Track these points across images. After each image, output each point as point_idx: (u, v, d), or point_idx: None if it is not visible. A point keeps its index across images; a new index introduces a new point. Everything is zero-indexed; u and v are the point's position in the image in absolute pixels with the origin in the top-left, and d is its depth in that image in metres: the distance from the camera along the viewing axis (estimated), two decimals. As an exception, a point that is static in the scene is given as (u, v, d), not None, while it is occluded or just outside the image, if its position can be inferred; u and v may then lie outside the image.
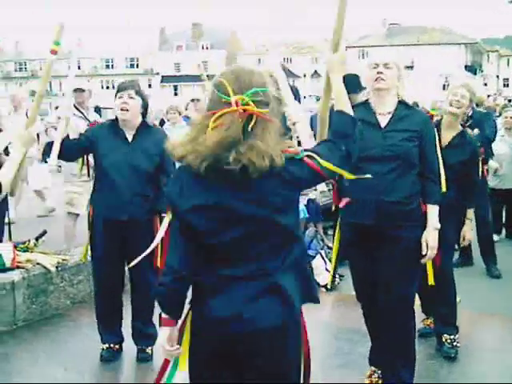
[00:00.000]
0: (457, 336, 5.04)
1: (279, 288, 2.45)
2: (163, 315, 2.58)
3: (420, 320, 5.45)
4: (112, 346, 4.96)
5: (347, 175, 2.62)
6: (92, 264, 5.02)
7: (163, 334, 2.57)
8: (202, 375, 2.59)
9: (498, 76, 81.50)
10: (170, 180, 2.61)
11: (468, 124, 7.15)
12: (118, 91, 4.75)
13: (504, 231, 9.30)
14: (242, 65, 2.59)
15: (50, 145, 4.83)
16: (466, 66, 65.61)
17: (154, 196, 4.74)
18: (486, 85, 64.78)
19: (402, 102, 4.08)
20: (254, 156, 2.33)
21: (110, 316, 4.98)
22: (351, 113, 2.70)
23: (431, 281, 4.33)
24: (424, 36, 66.92)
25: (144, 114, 4.84)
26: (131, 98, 4.69)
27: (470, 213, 5.34)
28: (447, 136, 5.04)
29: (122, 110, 4.68)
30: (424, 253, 4.01)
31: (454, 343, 5.01)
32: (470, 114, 7.31)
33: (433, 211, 4.04)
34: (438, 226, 4.03)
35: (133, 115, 4.73)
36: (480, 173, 7.08)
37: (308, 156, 2.48)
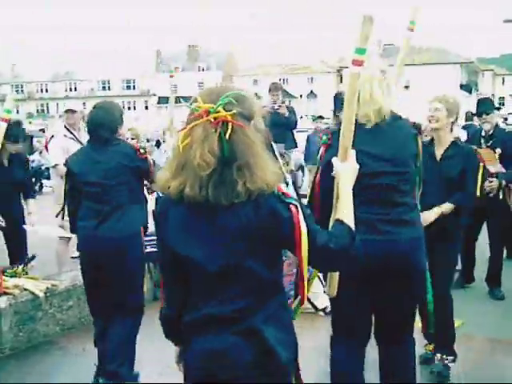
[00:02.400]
0: (450, 358, 4.87)
1: (256, 332, 2.31)
2: None
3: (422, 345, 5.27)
4: None
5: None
6: None
7: (175, 351, 2.70)
8: None
9: (493, 95, 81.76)
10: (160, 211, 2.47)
11: (490, 143, 6.98)
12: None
13: (505, 251, 9.12)
14: (225, 84, 2.52)
15: None
16: (461, 86, 65.79)
17: None
18: (481, 103, 64.83)
19: None
20: (253, 182, 2.22)
21: None
22: (351, 224, 2.46)
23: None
24: (419, 56, 67.16)
25: None
26: None
27: (448, 207, 4.87)
28: (440, 150, 5.04)
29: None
30: None
31: (446, 362, 4.84)
32: (491, 133, 7.07)
33: None
34: None
35: None
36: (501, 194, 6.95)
37: (296, 206, 2.28)
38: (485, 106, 7.18)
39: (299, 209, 2.28)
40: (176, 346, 2.67)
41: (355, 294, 3.46)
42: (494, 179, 6.74)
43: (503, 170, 6.77)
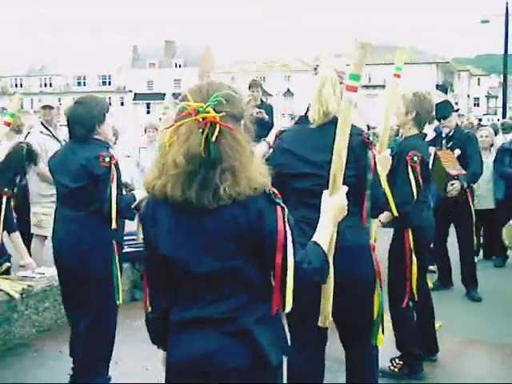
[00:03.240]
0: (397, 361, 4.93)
1: (247, 332, 2.28)
2: None
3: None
4: None
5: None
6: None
7: (160, 355, 2.64)
8: None
9: (468, 95, 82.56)
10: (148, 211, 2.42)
11: (449, 146, 7.00)
12: (107, 110, 4.51)
13: (481, 252, 9.19)
14: (214, 80, 2.42)
15: None
16: (437, 86, 66.25)
17: None
18: (456, 104, 65.54)
19: None
20: (236, 187, 2.19)
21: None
22: (326, 251, 2.41)
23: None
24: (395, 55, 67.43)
25: None
26: None
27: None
28: None
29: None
30: None
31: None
32: (451, 134, 7.09)
33: None
34: None
35: None
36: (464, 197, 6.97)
37: (282, 208, 2.26)
38: (443, 111, 7.09)
39: (285, 213, 2.26)
40: (164, 351, 2.60)
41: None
42: (456, 181, 6.74)
43: (464, 172, 6.78)
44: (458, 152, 6.88)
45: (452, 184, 6.71)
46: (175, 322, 2.39)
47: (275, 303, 2.32)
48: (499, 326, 6.25)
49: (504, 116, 24.23)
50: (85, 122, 4.33)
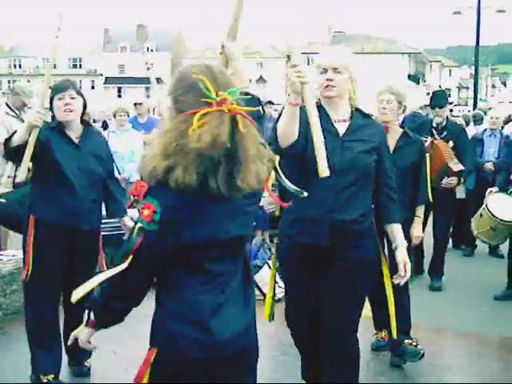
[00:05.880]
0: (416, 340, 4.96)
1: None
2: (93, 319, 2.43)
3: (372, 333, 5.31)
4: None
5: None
6: (33, 283, 4.35)
7: (88, 332, 2.45)
8: None
9: (440, 86, 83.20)
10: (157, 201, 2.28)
11: (442, 136, 7.06)
12: (56, 92, 4.38)
13: (451, 241, 9.27)
14: (208, 63, 2.38)
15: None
16: (409, 76, 66.62)
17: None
18: (428, 94, 66.00)
19: (357, 110, 3.74)
20: (249, 179, 2.26)
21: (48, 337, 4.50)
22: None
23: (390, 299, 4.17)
24: (368, 45, 67.53)
25: (83, 114, 4.56)
26: (73, 98, 4.38)
27: (420, 210, 5.21)
28: (391, 141, 4.97)
29: (65, 111, 4.36)
30: (402, 274, 3.76)
31: (418, 346, 4.91)
32: (444, 125, 7.20)
33: (399, 230, 3.85)
34: (406, 244, 3.87)
35: (77, 116, 4.45)
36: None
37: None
38: (439, 99, 7.26)
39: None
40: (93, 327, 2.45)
41: None
42: (455, 178, 6.88)
43: (462, 167, 6.88)
44: (451, 144, 7.00)
45: (451, 180, 6.81)
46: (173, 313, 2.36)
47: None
48: (464, 314, 6.35)
49: (475, 107, 24.45)
50: None
